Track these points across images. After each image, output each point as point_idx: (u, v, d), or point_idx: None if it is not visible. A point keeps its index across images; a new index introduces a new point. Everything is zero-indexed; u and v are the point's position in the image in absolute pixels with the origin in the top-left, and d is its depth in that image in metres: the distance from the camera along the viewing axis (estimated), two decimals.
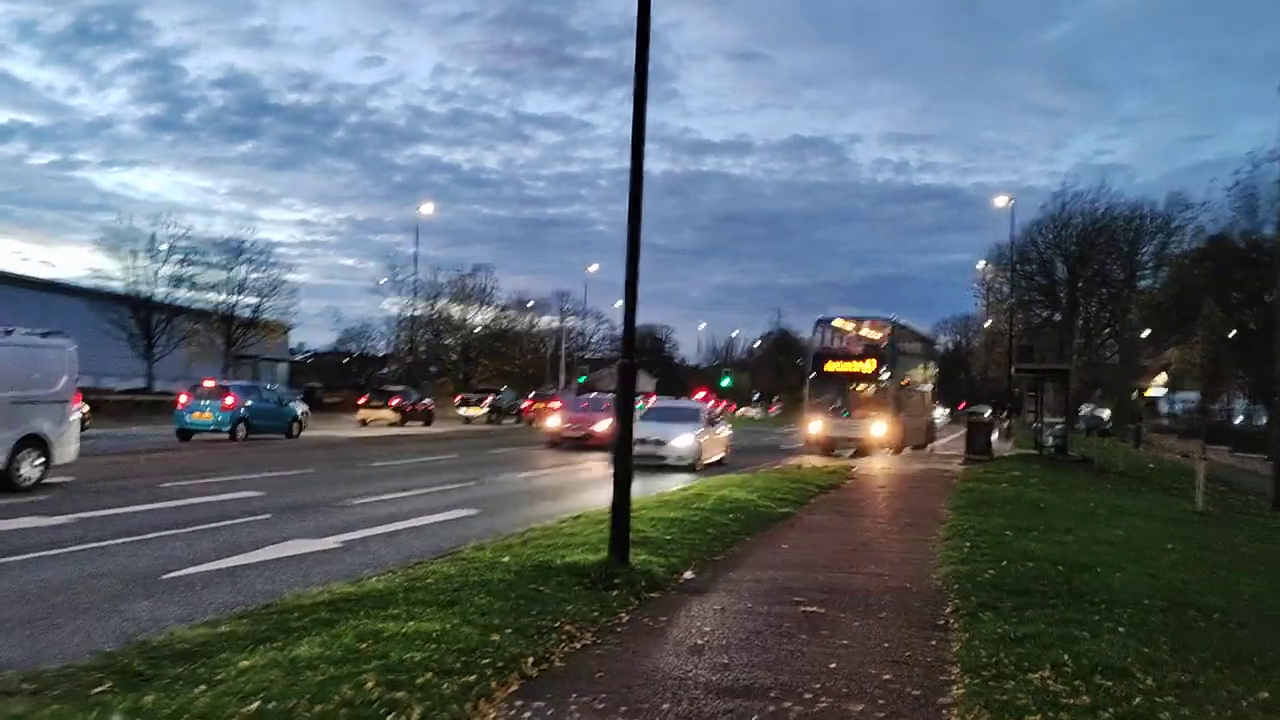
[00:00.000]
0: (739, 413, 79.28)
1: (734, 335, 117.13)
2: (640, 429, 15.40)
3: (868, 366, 28.84)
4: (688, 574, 8.59)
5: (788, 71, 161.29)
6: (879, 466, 24.40)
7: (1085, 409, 57.88)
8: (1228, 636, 6.76)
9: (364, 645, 5.47)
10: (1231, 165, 62.26)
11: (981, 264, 64.54)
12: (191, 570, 8.39)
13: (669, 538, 10.07)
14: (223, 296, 51.24)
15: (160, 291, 48.94)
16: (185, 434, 27.25)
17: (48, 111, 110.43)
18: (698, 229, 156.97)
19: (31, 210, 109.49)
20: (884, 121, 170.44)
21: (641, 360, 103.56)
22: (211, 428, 27.32)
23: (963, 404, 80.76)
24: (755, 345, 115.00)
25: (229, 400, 27.75)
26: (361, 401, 44.20)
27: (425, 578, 7.58)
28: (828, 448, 28.36)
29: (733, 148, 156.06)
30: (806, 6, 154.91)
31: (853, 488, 18.13)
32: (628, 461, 8.28)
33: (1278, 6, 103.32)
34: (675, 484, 16.83)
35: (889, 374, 28.57)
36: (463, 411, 50.86)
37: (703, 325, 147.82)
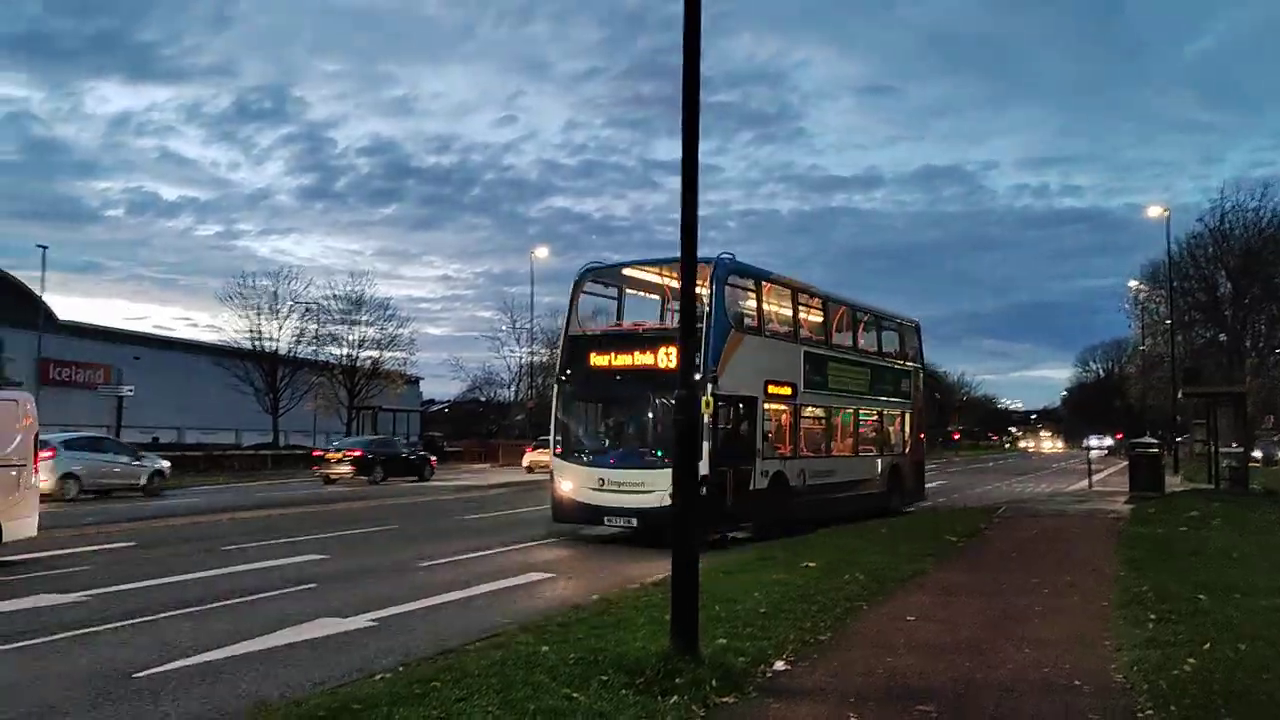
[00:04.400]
0: None
1: None
2: None
3: (667, 358, 14.46)
4: (778, 663, 6.67)
5: (917, 103, 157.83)
6: (1027, 508, 21.68)
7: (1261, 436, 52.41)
8: None
9: None
10: None
11: (1133, 283, 59.80)
12: (174, 665, 6.94)
13: (763, 610, 8.21)
14: (344, 350, 51.63)
15: (284, 346, 49.65)
16: None
17: (212, 186, 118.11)
18: (827, 265, 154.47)
19: (197, 278, 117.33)
20: (1021, 147, 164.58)
21: None
22: None
23: (1119, 434, 75.25)
24: None
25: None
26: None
27: (433, 679, 5.95)
28: (588, 521, 15.42)
29: (862, 182, 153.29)
30: (933, 38, 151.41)
31: (997, 535, 15.69)
32: (691, 518, 6.48)
33: None
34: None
35: (710, 371, 13.76)
36: None
37: None
